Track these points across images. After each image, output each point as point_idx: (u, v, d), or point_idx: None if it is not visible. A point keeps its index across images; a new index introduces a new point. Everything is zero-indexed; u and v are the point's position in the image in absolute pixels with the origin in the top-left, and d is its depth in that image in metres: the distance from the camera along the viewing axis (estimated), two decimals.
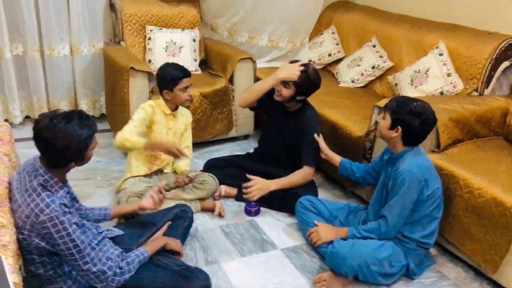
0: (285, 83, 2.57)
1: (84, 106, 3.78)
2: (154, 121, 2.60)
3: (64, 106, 3.73)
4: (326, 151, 2.62)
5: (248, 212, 2.68)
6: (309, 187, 2.72)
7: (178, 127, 2.70)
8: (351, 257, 2.07)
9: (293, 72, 2.52)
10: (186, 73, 2.57)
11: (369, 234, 2.14)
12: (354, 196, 2.94)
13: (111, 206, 2.21)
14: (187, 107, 2.81)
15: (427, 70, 3.03)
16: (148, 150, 2.53)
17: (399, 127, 2.08)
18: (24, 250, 1.73)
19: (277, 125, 2.78)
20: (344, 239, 2.21)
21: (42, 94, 3.63)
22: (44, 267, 1.78)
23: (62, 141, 1.64)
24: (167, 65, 2.61)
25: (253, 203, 2.64)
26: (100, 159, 3.27)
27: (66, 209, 1.71)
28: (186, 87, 2.56)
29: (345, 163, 2.55)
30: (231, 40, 3.86)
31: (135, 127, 2.47)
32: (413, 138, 2.12)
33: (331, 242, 2.22)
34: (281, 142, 2.78)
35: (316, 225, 2.37)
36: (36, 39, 3.46)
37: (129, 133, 2.42)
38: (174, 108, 2.65)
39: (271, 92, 2.68)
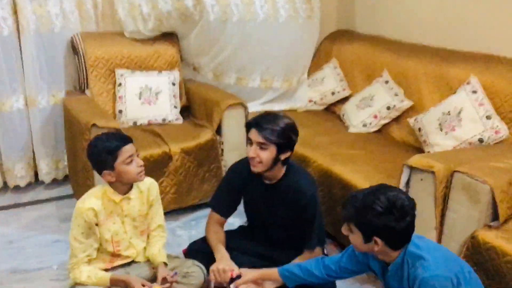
0: (260, 145, 1.94)
1: (45, 167, 3.16)
2: (99, 223, 1.96)
3: (20, 168, 3.11)
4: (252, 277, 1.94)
5: None
6: None
7: (138, 209, 2.05)
8: None
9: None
10: (124, 139, 1.93)
11: None
12: None
13: None
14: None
15: (459, 112, 2.46)
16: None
17: (376, 239, 1.52)
18: None
19: (263, 207, 2.15)
20: None
21: None
22: None
23: None
24: (96, 139, 1.96)
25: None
26: (61, 238, 2.63)
27: None
28: (131, 156, 1.92)
29: (285, 272, 1.88)
30: (217, 82, 3.28)
31: (86, 254, 1.95)
32: (400, 239, 1.54)
33: None
34: (276, 225, 2.15)
35: None
36: None
37: (87, 275, 1.94)
38: (127, 190, 2.00)
39: (237, 174, 2.15)
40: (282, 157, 1.97)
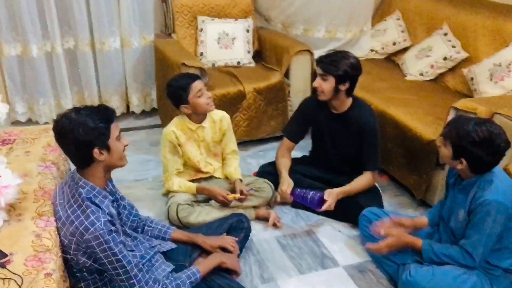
0: (321, 76, 2.33)
1: (135, 100, 3.68)
2: (181, 144, 2.44)
3: (115, 100, 3.65)
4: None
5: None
6: (373, 197, 2.49)
7: (211, 136, 2.50)
8: None
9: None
10: (194, 77, 2.36)
11: (449, 260, 1.87)
12: (423, 204, 2.66)
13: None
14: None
15: (510, 64, 2.67)
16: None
17: (463, 160, 1.78)
18: (73, 269, 1.65)
19: (328, 135, 2.53)
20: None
21: (94, 88, 3.55)
22: (94, 284, 1.70)
23: (72, 129, 1.55)
24: (172, 79, 2.42)
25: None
26: (152, 158, 3.17)
27: (112, 227, 1.61)
28: (200, 91, 2.33)
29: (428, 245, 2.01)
30: (285, 32, 3.63)
31: (175, 168, 2.45)
32: (483, 167, 1.80)
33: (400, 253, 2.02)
34: (336, 152, 2.56)
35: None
36: (86, 33, 3.37)
37: (178, 184, 2.45)
38: (201, 119, 2.45)
39: (309, 105, 2.54)
40: (342, 87, 2.33)
